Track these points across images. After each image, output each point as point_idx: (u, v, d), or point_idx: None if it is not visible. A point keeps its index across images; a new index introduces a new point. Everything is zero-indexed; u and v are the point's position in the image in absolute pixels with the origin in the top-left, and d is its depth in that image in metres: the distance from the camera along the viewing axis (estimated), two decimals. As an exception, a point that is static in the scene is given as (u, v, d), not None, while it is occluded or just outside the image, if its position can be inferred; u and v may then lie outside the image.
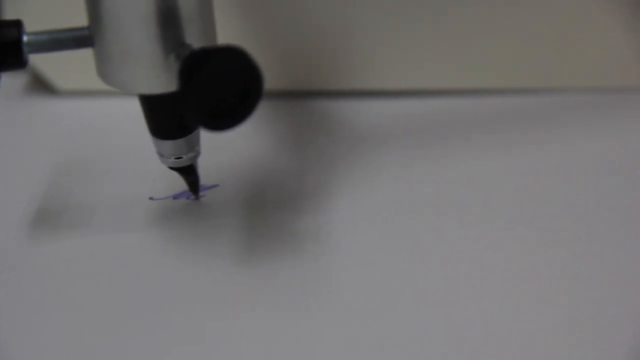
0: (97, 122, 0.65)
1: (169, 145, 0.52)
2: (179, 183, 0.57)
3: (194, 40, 0.48)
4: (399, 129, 0.63)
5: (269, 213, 0.56)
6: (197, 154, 0.54)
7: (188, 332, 0.48)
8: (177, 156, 0.53)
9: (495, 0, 0.64)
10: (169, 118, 0.52)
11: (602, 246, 0.53)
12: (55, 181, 0.59)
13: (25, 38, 0.49)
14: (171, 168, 0.54)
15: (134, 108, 0.66)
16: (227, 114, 0.45)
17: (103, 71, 0.50)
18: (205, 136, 0.53)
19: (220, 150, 0.60)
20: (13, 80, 0.69)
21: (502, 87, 0.66)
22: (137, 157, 0.61)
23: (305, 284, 0.51)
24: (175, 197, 0.57)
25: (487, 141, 0.62)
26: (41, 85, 0.68)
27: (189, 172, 0.55)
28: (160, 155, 0.53)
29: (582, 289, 0.50)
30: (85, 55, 0.66)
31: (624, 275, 0.51)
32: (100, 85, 0.66)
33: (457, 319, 0.49)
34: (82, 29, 0.49)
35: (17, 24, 0.49)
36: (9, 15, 0.64)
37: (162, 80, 0.48)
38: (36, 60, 0.66)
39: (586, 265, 0.52)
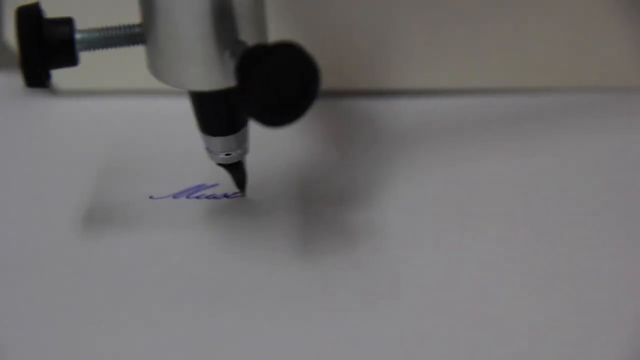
0: (97, 122, 0.65)
1: (218, 141, 0.53)
2: (180, 182, 0.58)
3: (248, 37, 0.48)
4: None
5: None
6: (246, 151, 0.54)
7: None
8: (226, 153, 0.53)
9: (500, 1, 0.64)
10: (220, 115, 0.52)
11: (602, 246, 0.53)
12: (55, 180, 0.59)
13: (77, 36, 0.49)
14: (220, 164, 0.54)
15: (134, 108, 0.66)
16: (286, 110, 0.45)
17: (155, 68, 0.50)
18: (250, 135, 0.53)
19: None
20: (13, 80, 0.69)
21: (506, 87, 0.66)
22: (137, 157, 0.61)
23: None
24: (175, 196, 0.57)
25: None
26: (41, 85, 0.68)
27: (237, 169, 0.55)
28: (209, 151, 0.53)
29: (583, 289, 0.50)
30: (84, 55, 0.66)
31: (625, 275, 0.51)
32: (100, 85, 0.67)
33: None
34: (133, 26, 0.49)
35: (69, 22, 0.49)
36: (9, 13, 0.65)
37: (216, 77, 0.49)
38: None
39: (586, 265, 0.52)
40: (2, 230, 0.55)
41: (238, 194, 0.57)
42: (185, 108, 0.66)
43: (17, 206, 0.57)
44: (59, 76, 0.66)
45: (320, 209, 0.56)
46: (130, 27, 0.49)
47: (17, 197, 0.58)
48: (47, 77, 0.49)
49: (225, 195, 0.57)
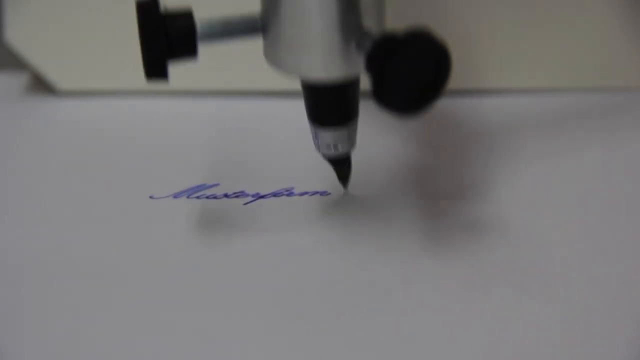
0: (97, 122, 0.65)
1: (329, 134, 0.52)
2: (180, 182, 0.58)
3: (370, 24, 0.48)
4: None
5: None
6: (354, 144, 0.53)
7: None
8: (334, 145, 0.53)
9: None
10: (336, 105, 0.51)
11: (602, 246, 0.53)
12: (54, 180, 0.59)
13: (199, 27, 0.49)
14: (326, 158, 0.54)
15: (134, 108, 0.66)
16: (418, 99, 0.45)
17: (276, 58, 0.49)
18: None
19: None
20: (13, 80, 0.69)
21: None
22: (137, 157, 0.61)
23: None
24: (175, 196, 0.57)
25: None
26: (41, 85, 0.68)
27: (343, 163, 0.54)
28: (317, 143, 0.53)
29: (584, 289, 0.51)
30: (85, 55, 0.67)
31: (625, 275, 0.51)
32: (100, 85, 0.67)
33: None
34: (252, 16, 0.49)
35: (189, 14, 0.48)
36: (9, 13, 0.65)
37: (337, 65, 0.48)
38: (36, 60, 0.66)
39: (587, 265, 0.52)
40: (1, 229, 0.55)
41: (239, 194, 0.57)
42: (185, 108, 0.67)
43: (16, 206, 0.57)
44: (59, 76, 0.67)
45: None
46: (249, 16, 0.49)
47: (17, 197, 0.58)
48: (167, 70, 0.48)
49: (226, 195, 0.57)
